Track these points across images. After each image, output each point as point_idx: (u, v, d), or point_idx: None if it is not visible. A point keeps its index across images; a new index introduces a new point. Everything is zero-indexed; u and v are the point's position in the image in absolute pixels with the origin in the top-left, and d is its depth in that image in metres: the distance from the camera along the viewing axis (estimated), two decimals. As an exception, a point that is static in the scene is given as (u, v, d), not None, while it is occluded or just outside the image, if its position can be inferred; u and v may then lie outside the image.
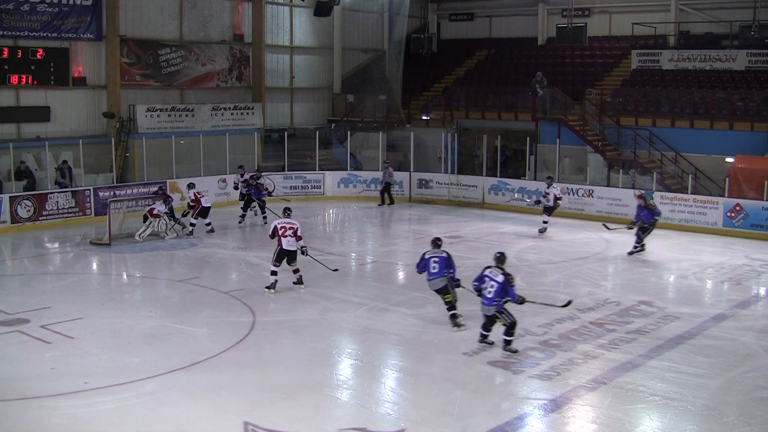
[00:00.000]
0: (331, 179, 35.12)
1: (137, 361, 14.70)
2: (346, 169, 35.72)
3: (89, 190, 29.77)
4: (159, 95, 36.01)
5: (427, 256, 16.79)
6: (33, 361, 14.76)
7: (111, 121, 33.57)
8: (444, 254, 16.80)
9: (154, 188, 28.82)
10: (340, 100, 43.63)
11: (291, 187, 34.29)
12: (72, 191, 29.48)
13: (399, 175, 34.67)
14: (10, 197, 27.83)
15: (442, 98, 40.26)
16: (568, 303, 16.33)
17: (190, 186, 27.32)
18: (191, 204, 26.95)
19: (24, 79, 31.74)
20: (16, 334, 16.14)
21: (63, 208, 28.86)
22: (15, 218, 27.63)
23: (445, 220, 29.80)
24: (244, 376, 13.91)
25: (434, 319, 17.25)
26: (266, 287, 19.42)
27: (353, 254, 24.28)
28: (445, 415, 12.25)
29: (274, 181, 32.87)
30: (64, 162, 30.60)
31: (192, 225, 26.71)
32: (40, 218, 28.23)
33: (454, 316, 16.74)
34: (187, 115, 35.35)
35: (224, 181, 32.16)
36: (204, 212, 26.76)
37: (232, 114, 36.78)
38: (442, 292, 16.73)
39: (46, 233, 27.13)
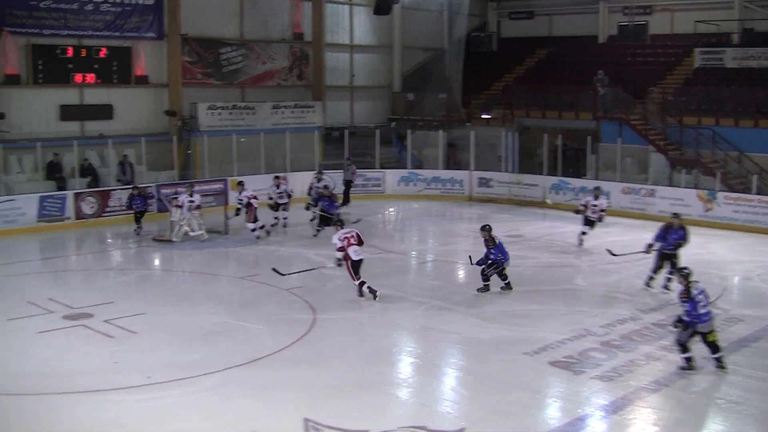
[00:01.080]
0: (391, 177, 35.11)
1: (198, 356, 14.81)
2: (406, 168, 35.68)
3: (151, 186, 30.07)
4: (220, 93, 36.27)
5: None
6: (97, 355, 14.94)
7: (173, 119, 33.88)
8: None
9: (216, 185, 29.06)
10: (400, 99, 43.60)
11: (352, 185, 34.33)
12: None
13: (459, 174, 34.59)
14: (74, 194, 28.23)
15: (502, 97, 40.00)
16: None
17: (240, 185, 26.56)
18: (241, 204, 25.84)
19: (88, 78, 32.18)
20: (80, 329, 16.36)
21: (126, 205, 29.17)
22: (79, 214, 28.00)
23: (506, 219, 29.61)
24: (304, 373, 13.94)
25: (493, 318, 17.18)
26: (375, 298, 18.52)
27: (413, 252, 24.26)
28: (505, 415, 12.17)
29: (333, 179, 32.93)
30: (125, 156, 30.94)
31: (264, 227, 26.20)
32: (104, 214, 28.58)
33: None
34: (247, 113, 35.57)
35: (285, 178, 32.26)
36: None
37: (292, 112, 36.91)
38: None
39: (109, 229, 27.45)
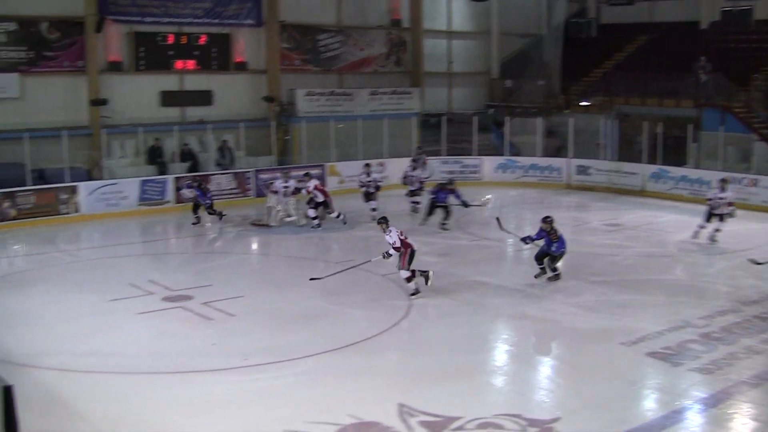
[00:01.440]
0: (488, 164, 34.89)
1: (294, 340, 14.93)
2: (503, 155, 35.43)
3: (250, 172, 30.44)
4: (318, 80, 36.47)
5: None
6: (195, 336, 15.19)
7: (271, 105, 34.21)
8: None
9: (313, 171, 29.23)
10: (497, 85, 43.31)
11: (448, 172, 34.16)
12: (233, 173, 30.20)
13: (557, 161, 34.22)
14: (174, 178, 28.72)
15: (602, 84, 39.45)
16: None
17: (308, 176, 26.15)
18: (313, 195, 25.23)
19: (188, 65, 32.69)
20: (179, 311, 16.64)
21: (225, 189, 29.59)
22: (179, 198, 28.46)
23: (604, 208, 29.23)
24: (399, 359, 13.98)
25: (591, 307, 16.95)
26: (413, 294, 17.83)
27: (510, 240, 24.07)
28: (601, 405, 12.00)
29: (431, 165, 32.91)
30: (224, 141, 31.35)
31: (339, 216, 25.60)
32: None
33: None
34: (345, 100, 35.76)
35: (381, 164, 32.24)
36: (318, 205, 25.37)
37: (389, 98, 36.96)
38: None
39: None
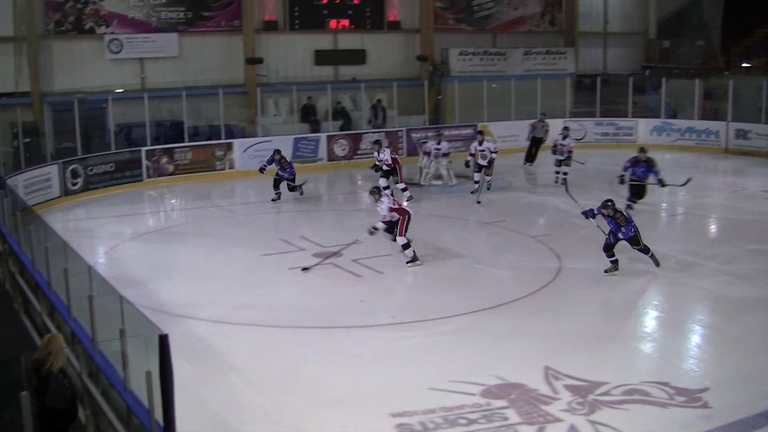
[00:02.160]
0: (643, 127, 33.98)
1: (442, 299, 14.94)
2: (659, 117, 34.47)
3: (402, 130, 30.51)
4: (471, 39, 36.17)
5: None
6: (344, 293, 15.37)
7: (424, 65, 34.17)
8: None
9: (465, 131, 29.08)
10: (654, 46, 42.09)
11: (602, 134, 33.54)
12: (385, 132, 30.31)
13: (715, 125, 33.07)
14: (327, 136, 29.04)
15: (765, 44, 37.92)
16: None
17: (377, 143, 24.28)
18: (386, 166, 23.34)
19: (341, 24, 32.89)
20: (329, 267, 16.83)
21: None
22: (331, 156, 28.81)
23: (764, 174, 28.14)
24: (546, 322, 13.79)
25: (747, 276, 16.32)
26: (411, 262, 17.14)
27: (664, 205, 23.47)
28: (752, 378, 11.51)
29: (584, 126, 32.31)
30: (377, 101, 31.48)
31: (405, 190, 23.49)
32: (355, 157, 29.23)
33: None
34: (498, 59, 35.43)
35: (533, 126, 31.81)
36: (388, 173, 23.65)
37: (543, 59, 36.42)
38: None
39: (359, 171, 28.02)
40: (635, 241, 16.17)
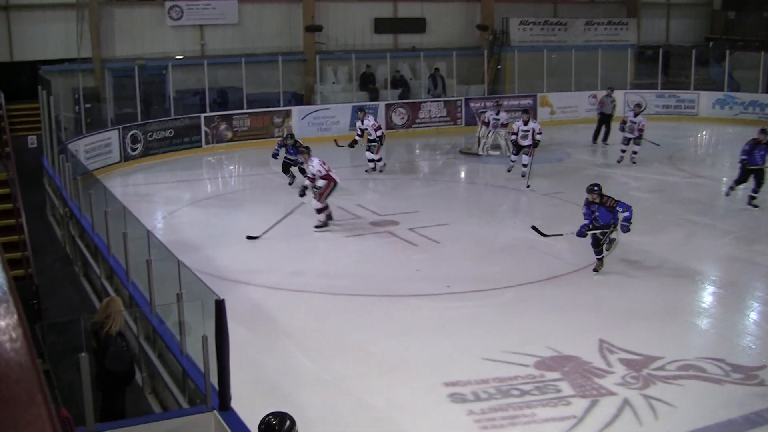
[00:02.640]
0: (706, 100, 33.43)
1: (497, 270, 14.90)
2: (722, 90, 33.90)
3: (461, 100, 30.37)
4: (532, 9, 35.80)
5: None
6: (400, 261, 15.40)
7: (484, 34, 33.93)
8: None
9: (525, 101, 28.84)
10: (719, 17, 41.33)
11: (663, 107, 33.06)
12: (444, 101, 30.21)
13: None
14: (385, 104, 28.99)
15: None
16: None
17: (362, 111, 23.48)
18: (370, 138, 22.87)
19: (403, -9, 32.78)
20: (386, 235, 16.87)
21: (435, 117, 29.68)
22: (389, 125, 28.73)
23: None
24: (602, 295, 13.71)
25: (810, 252, 16.08)
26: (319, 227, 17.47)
27: (724, 179, 23.12)
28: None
29: (645, 98, 31.87)
30: (436, 69, 31.35)
31: (374, 162, 23.04)
32: (413, 126, 29.16)
33: None
34: (559, 29, 35.06)
35: (595, 97, 31.46)
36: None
37: (605, 29, 35.96)
38: None
39: (417, 140, 28.01)
40: (610, 241, 14.72)
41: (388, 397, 10.08)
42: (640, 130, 23.82)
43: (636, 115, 24.08)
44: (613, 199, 14.35)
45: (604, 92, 28.43)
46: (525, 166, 21.96)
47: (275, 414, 6.27)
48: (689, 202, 19.94)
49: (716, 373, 10.55)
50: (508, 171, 22.52)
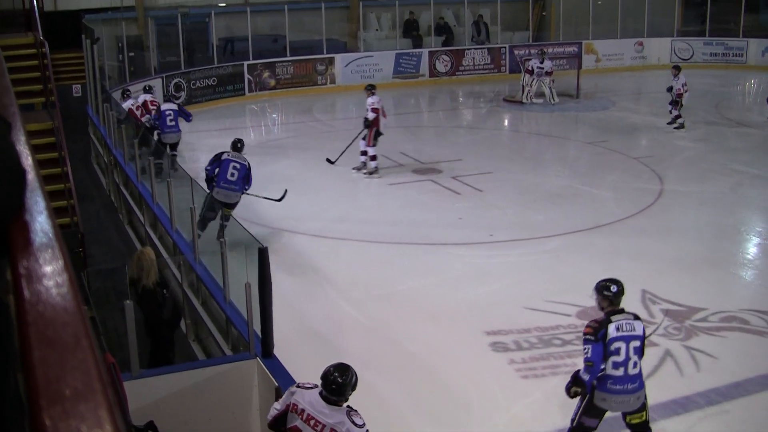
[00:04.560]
0: (755, 47, 32.77)
1: (541, 218, 14.84)
2: (773, 37, 33.28)
3: (505, 47, 30.11)
4: (578, -47, 35.31)
5: (224, 158, 13.40)
6: (443, 209, 15.37)
7: (529, -21, 33.54)
8: (245, 163, 13.56)
9: (570, 48, 28.54)
10: (771, -39, 40.51)
11: (711, 54, 32.54)
12: (488, 48, 29.97)
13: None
14: (429, 52, 28.80)
15: None
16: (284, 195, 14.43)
17: (369, 89, 18.03)
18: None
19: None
20: (429, 183, 16.85)
21: (479, 65, 29.48)
22: (433, 72, 28.60)
23: None
24: (646, 244, 13.61)
25: None
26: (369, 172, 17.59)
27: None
28: None
29: (692, 46, 31.31)
30: (480, 16, 31.09)
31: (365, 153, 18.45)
32: (457, 73, 29.00)
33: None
34: (605, -26, 34.55)
35: (641, 44, 31.05)
36: None
37: (653, -26, 35.38)
38: (230, 207, 13.16)
39: (461, 88, 27.86)
40: None
41: (430, 344, 10.12)
42: (679, 95, 21.37)
43: (674, 77, 21.50)
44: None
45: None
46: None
47: (337, 366, 6.32)
48: (735, 151, 19.71)
49: (759, 325, 10.48)
50: None
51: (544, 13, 33.46)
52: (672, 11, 33.64)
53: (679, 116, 21.39)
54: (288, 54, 27.45)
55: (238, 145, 13.62)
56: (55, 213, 1.72)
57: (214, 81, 25.52)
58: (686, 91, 21.29)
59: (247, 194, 13.53)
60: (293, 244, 13.53)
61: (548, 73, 25.04)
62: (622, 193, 16.43)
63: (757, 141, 21.01)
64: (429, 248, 13.47)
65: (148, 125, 17.00)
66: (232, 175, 13.16)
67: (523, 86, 25.49)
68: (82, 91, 21.79)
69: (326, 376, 6.22)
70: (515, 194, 16.30)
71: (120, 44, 24.35)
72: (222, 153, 13.44)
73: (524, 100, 25.12)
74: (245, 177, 13.28)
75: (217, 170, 13.12)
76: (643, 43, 31.86)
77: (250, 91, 26.46)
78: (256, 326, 7.96)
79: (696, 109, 23.53)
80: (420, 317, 10.86)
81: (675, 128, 21.27)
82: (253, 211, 14.73)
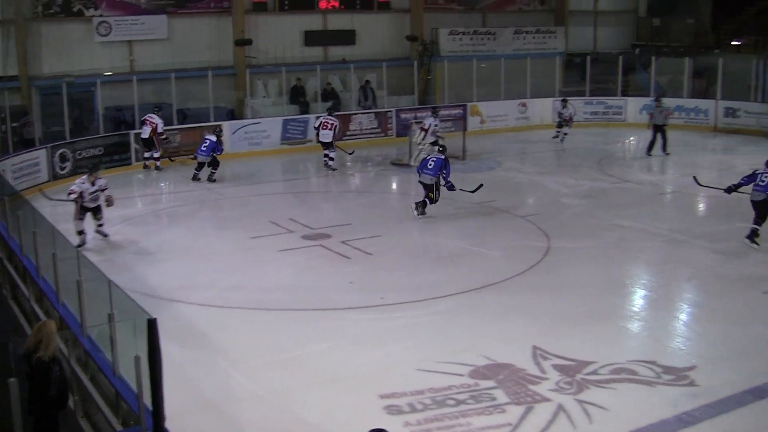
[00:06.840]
0: (633, 105, 33.90)
1: (431, 279, 14.99)
2: (649, 96, 34.37)
3: (391, 111, 30.49)
4: (461, 19, 36.06)
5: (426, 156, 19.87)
6: (334, 274, 15.41)
7: (414, 45, 34.08)
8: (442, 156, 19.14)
9: (455, 110, 29.00)
10: (645, 24, 41.93)
11: (592, 113, 33.51)
12: (375, 112, 30.30)
13: (704, 103, 32.99)
14: (315, 117, 28.93)
15: (756, 22, 37.75)
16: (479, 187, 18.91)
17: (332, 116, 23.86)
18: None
19: (331, 4, 32.81)
20: (318, 248, 16.86)
21: (366, 129, 29.75)
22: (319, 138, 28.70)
23: (753, 152, 28.00)
24: (535, 301, 13.85)
25: (736, 252, 16.41)
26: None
27: (653, 184, 23.51)
28: (740, 355, 11.63)
29: (574, 105, 32.24)
30: (366, 81, 31.46)
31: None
32: (344, 138, 29.17)
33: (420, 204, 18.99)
34: (488, 39, 35.35)
35: (524, 105, 31.79)
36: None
37: (533, 38, 36.34)
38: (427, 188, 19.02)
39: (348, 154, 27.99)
40: None
41: (326, 411, 10.10)
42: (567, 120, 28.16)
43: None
44: None
45: (653, 103, 28.02)
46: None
47: None
48: (619, 206, 20.23)
49: (648, 375, 10.76)
50: None
51: (429, 77, 34.00)
52: (553, 73, 34.58)
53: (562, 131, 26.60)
54: (174, 122, 27.28)
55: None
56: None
57: (100, 150, 25.13)
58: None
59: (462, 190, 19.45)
60: (184, 314, 13.36)
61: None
62: (511, 251, 16.71)
63: (640, 196, 21.62)
64: (321, 313, 13.46)
65: None
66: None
67: (410, 149, 25.76)
68: (-36, 163, 21.28)
69: None
70: (405, 257, 16.44)
71: (3, 114, 23.88)
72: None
73: (412, 163, 25.36)
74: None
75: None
76: (527, 104, 32.65)
77: (137, 160, 26.15)
78: (147, 399, 7.82)
79: (580, 166, 24.21)
80: (315, 383, 10.83)
81: (561, 141, 26.34)
82: (142, 282, 14.56)
